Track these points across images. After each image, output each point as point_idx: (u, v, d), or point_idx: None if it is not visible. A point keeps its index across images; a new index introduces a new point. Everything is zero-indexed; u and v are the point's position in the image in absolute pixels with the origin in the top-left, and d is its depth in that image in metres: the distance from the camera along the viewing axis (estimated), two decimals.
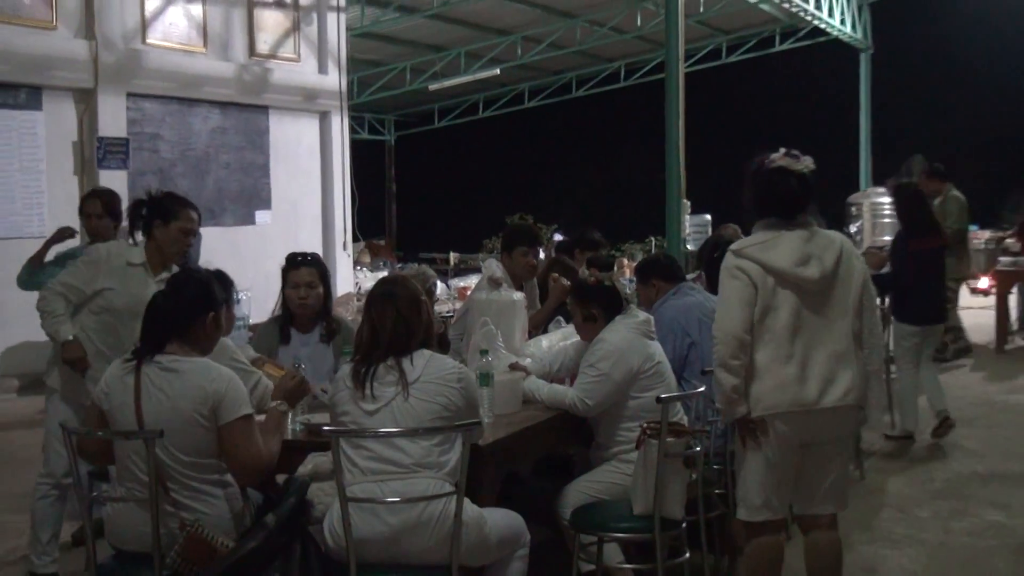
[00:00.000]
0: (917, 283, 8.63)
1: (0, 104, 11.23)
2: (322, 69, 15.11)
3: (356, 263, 17.09)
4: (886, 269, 9.18)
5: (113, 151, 12.03)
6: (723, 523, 5.44)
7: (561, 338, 5.89)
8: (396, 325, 4.17)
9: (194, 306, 4.14)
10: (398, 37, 21.10)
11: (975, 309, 15.27)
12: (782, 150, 4.57)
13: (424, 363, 4.13)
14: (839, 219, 19.58)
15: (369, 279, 14.38)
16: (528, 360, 5.58)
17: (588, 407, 5.06)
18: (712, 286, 5.76)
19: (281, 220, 14.53)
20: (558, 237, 17.44)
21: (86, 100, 11.94)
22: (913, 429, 8.66)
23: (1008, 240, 14.96)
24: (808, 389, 4.38)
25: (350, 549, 3.87)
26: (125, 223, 5.73)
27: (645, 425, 4.78)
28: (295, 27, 14.65)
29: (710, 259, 6.53)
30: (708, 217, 17.14)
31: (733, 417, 4.51)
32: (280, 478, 4.30)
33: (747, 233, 4.72)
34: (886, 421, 8.95)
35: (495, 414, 4.80)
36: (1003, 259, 13.93)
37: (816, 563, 4.66)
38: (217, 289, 4.28)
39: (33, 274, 6.76)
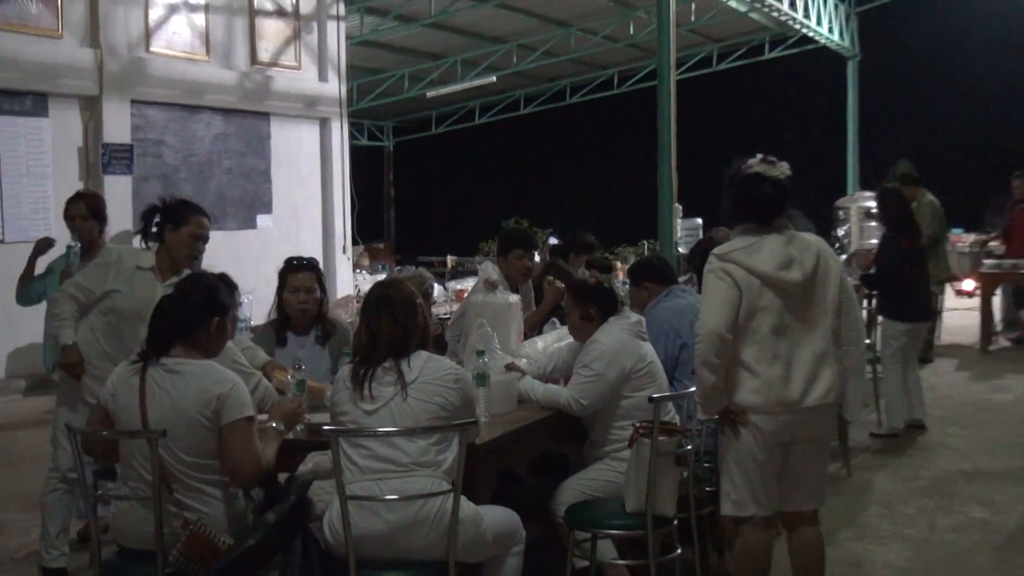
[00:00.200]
0: (909, 280, 8.68)
1: (7, 111, 11.23)
2: (322, 77, 15.12)
3: (355, 266, 17.10)
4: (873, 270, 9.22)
5: (118, 157, 12.03)
6: (714, 520, 5.45)
7: (556, 339, 5.89)
8: (393, 328, 4.17)
9: (200, 310, 4.14)
10: (396, 45, 21.12)
11: (960, 311, 15.29)
12: (759, 156, 4.57)
13: (421, 364, 4.14)
14: (827, 222, 19.61)
15: (368, 282, 14.36)
16: (524, 361, 5.58)
17: (582, 407, 5.06)
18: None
19: (282, 224, 14.53)
20: (553, 241, 17.46)
21: (91, 107, 11.94)
22: (900, 427, 8.68)
23: (992, 243, 14.98)
24: (792, 388, 4.39)
25: (349, 546, 3.87)
26: (136, 227, 5.71)
27: (637, 424, 4.78)
28: (296, 36, 14.66)
29: (701, 262, 6.53)
30: (699, 221, 17.14)
31: (713, 412, 4.55)
32: (281, 477, 4.30)
33: None
34: (872, 420, 8.99)
35: (491, 414, 4.80)
36: (987, 262, 13.93)
37: (803, 558, 4.67)
38: (224, 294, 4.29)
39: (25, 288, 6.69)
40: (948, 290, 15.15)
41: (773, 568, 4.66)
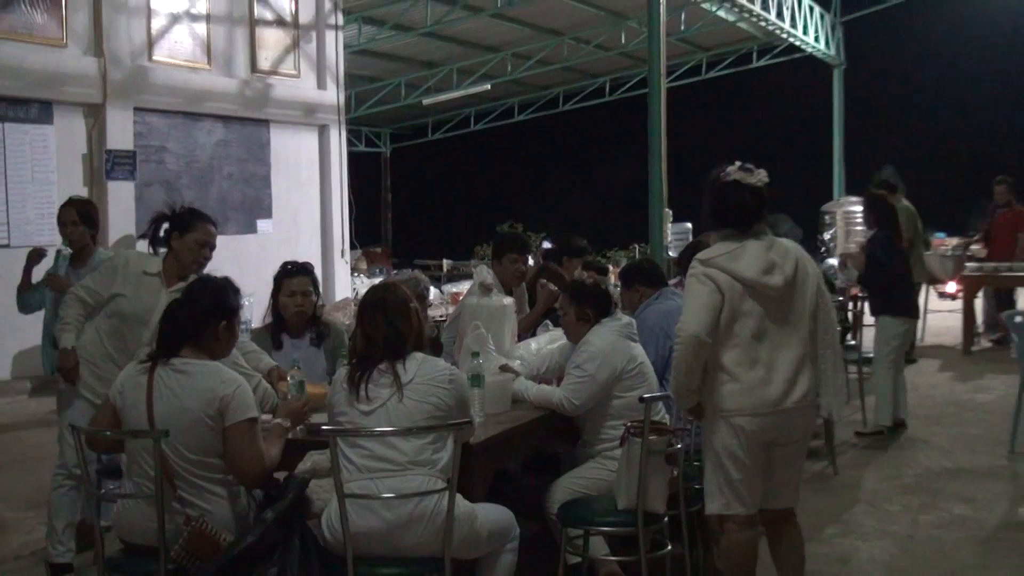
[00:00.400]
0: (905, 278, 8.85)
1: (13, 118, 11.23)
2: (321, 85, 15.11)
3: (353, 270, 17.10)
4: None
5: (121, 163, 12.02)
6: (703, 517, 5.45)
7: (549, 341, 5.89)
8: (388, 331, 4.18)
9: (207, 313, 4.16)
10: (393, 54, 21.14)
11: (943, 312, 15.30)
12: (737, 163, 4.56)
13: (417, 365, 4.15)
14: (814, 227, 19.65)
15: (365, 285, 14.36)
16: (517, 362, 5.58)
17: (574, 406, 5.07)
18: None
19: (282, 229, 14.52)
20: (547, 245, 17.46)
21: (95, 114, 11.93)
22: (888, 424, 8.71)
23: (974, 246, 15.00)
24: (773, 390, 4.39)
25: (347, 543, 3.88)
26: (139, 232, 5.69)
27: (629, 424, 4.79)
28: (295, 45, 14.66)
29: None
30: (689, 225, 17.19)
31: (685, 407, 4.58)
32: (280, 475, 4.30)
33: None
34: (857, 419, 9.01)
35: (486, 413, 4.80)
36: (969, 265, 13.95)
37: (788, 556, 4.68)
38: (231, 297, 4.30)
39: (23, 298, 6.60)
40: (931, 292, 15.18)
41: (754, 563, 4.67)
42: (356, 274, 17.21)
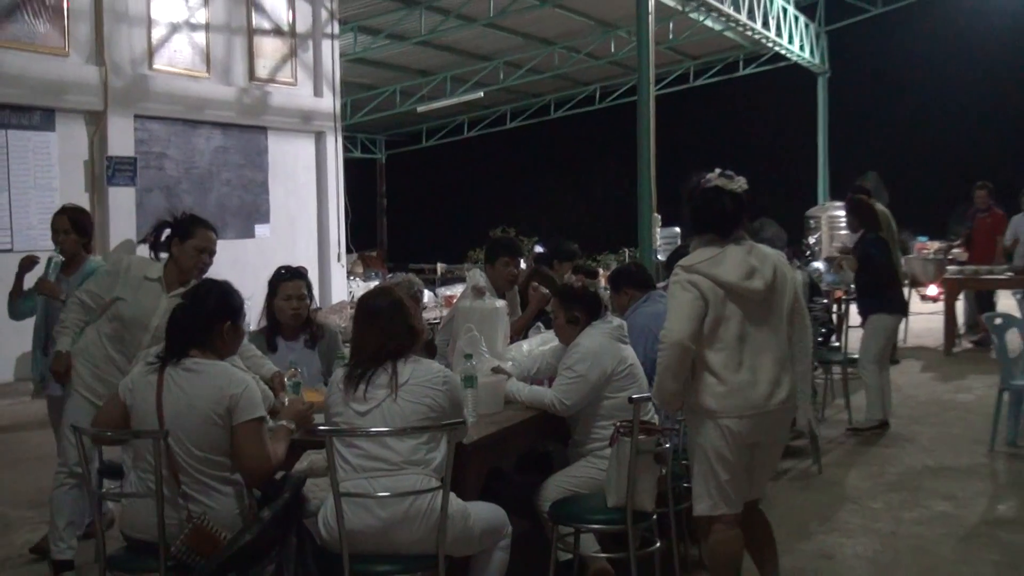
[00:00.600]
0: (897, 276, 9.07)
1: (16, 125, 11.21)
2: (317, 92, 15.11)
3: (349, 273, 17.09)
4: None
5: (122, 169, 12.01)
6: (691, 515, 5.45)
7: (540, 343, 5.89)
8: (382, 334, 4.19)
9: (213, 315, 4.17)
10: (388, 62, 21.14)
11: (925, 314, 15.33)
12: (717, 170, 4.57)
13: (411, 367, 4.15)
14: (799, 231, 19.70)
15: (361, 288, 14.37)
16: (509, 363, 5.58)
17: (566, 407, 5.06)
18: None
19: (279, 233, 14.51)
20: (538, 249, 17.47)
21: (96, 122, 11.91)
22: (880, 418, 8.76)
23: (955, 250, 15.04)
24: (758, 392, 4.39)
25: (343, 541, 3.87)
26: (139, 237, 5.67)
27: (618, 424, 4.79)
28: (292, 53, 14.65)
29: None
30: (677, 229, 17.20)
31: (670, 411, 4.63)
32: (277, 474, 4.30)
33: None
34: (842, 418, 9.04)
35: (479, 414, 4.80)
36: (951, 268, 13.99)
37: (758, 534, 4.70)
38: (236, 298, 4.31)
39: (15, 304, 6.46)
40: (913, 295, 15.20)
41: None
42: (352, 278, 17.20)
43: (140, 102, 12.31)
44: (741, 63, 24.04)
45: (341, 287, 15.55)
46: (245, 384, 4.07)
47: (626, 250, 21.24)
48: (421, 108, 23.33)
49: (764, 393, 4.39)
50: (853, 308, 9.47)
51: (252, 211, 14.15)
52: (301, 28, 14.75)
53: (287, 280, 5.75)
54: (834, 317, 10.39)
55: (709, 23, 18.28)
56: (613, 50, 21.56)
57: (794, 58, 21.45)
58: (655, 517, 4.80)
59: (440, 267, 21.47)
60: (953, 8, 23.79)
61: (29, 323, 6.45)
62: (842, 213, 15.58)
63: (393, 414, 4.05)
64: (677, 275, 4.44)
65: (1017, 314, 8.89)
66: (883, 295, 8.87)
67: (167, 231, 5.41)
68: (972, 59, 25.51)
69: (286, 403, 4.72)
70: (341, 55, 16.05)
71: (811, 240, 19.29)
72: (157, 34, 12.58)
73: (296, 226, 14.90)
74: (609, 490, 4.70)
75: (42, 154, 11.45)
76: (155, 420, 3.99)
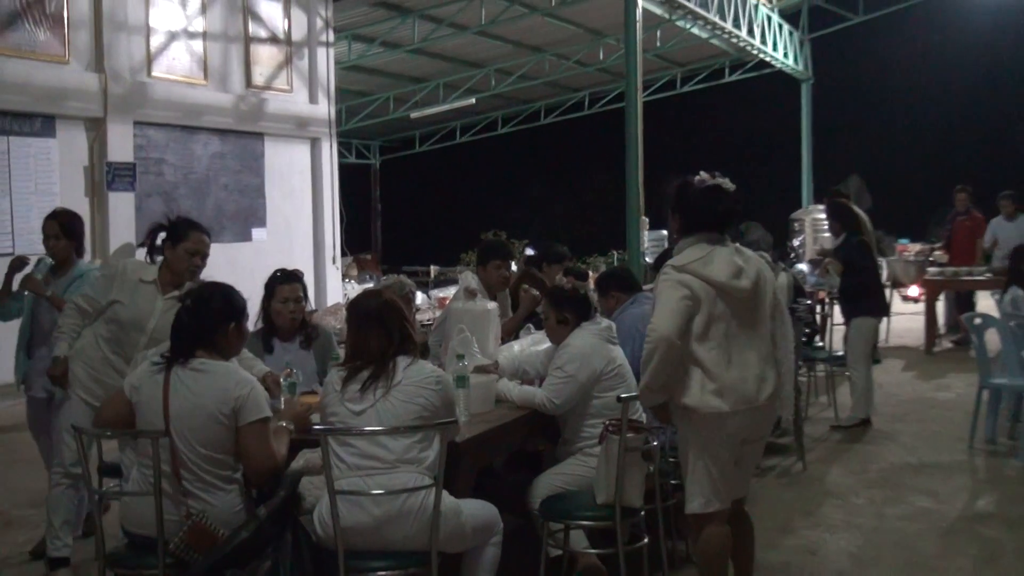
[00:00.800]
0: (879, 279, 9.26)
1: (17, 132, 11.18)
2: (313, 99, 15.10)
3: (344, 276, 17.08)
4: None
5: (121, 175, 11.98)
6: (679, 511, 5.46)
7: (531, 343, 5.89)
8: (376, 336, 4.20)
9: (218, 316, 4.18)
10: (382, 70, 21.11)
11: (906, 315, 15.35)
12: (702, 173, 4.56)
13: (405, 368, 4.15)
14: (783, 234, 19.72)
15: (356, 290, 14.35)
16: (503, 355, 5.61)
17: (556, 406, 5.07)
18: None
19: (275, 237, 14.50)
20: (529, 252, 17.47)
21: (96, 128, 11.89)
22: (865, 416, 8.80)
23: (936, 252, 15.08)
24: (748, 388, 4.40)
25: (338, 537, 3.88)
26: (138, 241, 5.62)
27: (607, 422, 4.79)
28: (288, 61, 14.64)
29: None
30: (664, 232, 17.20)
31: (648, 405, 4.60)
32: None
33: None
34: (827, 416, 9.07)
35: (471, 413, 4.80)
36: (931, 269, 14.02)
37: (742, 538, 4.69)
38: (238, 299, 4.32)
39: (2, 306, 6.34)
40: (895, 295, 15.25)
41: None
42: (347, 280, 17.19)
43: (139, 109, 12.29)
44: (727, 70, 24.04)
45: (336, 289, 15.53)
46: (251, 385, 4.08)
47: (615, 252, 21.24)
48: (414, 114, 23.31)
49: (753, 389, 4.40)
50: (837, 308, 9.50)
51: (249, 215, 14.13)
52: (297, 36, 14.74)
53: (284, 283, 5.74)
54: (818, 317, 10.43)
55: (695, 31, 18.27)
56: (602, 57, 21.56)
57: (778, 65, 21.46)
58: (643, 513, 4.82)
59: (433, 269, 21.46)
60: (933, 17, 23.86)
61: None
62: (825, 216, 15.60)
63: (387, 413, 4.06)
64: (668, 274, 4.42)
65: (996, 314, 8.91)
66: (866, 298, 8.91)
67: (162, 234, 5.41)
68: (951, 66, 25.61)
69: (283, 404, 4.72)
70: (336, 63, 16.04)
71: (795, 242, 19.31)
72: (156, 42, 12.56)
73: (292, 230, 14.88)
74: (598, 487, 4.71)
75: (43, 160, 11.43)
76: (161, 418, 4.00)
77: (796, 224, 19.78)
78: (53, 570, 5.43)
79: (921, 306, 14.13)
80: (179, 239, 5.36)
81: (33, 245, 10.98)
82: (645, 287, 6.98)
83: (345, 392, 4.13)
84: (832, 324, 9.71)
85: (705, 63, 23.92)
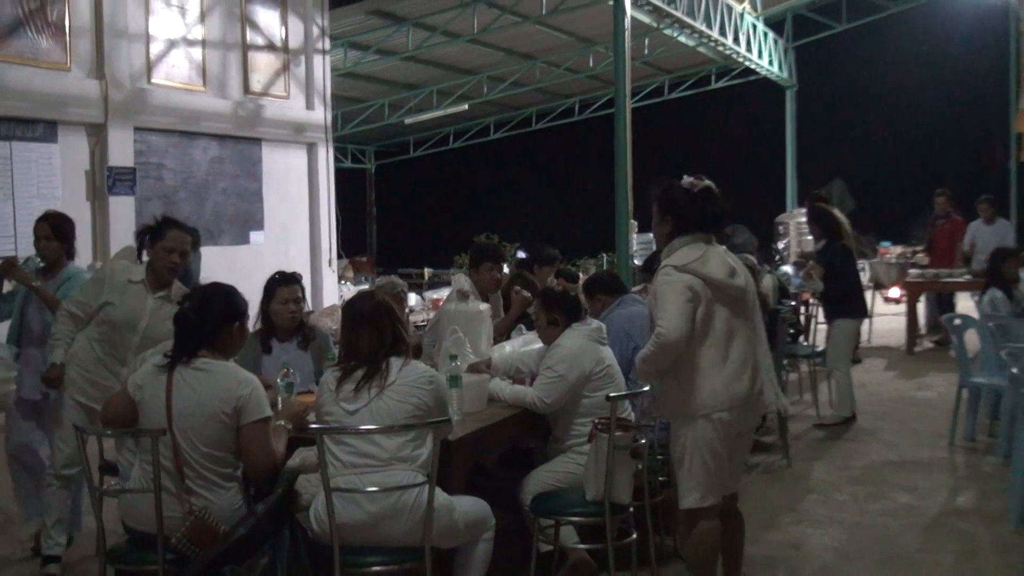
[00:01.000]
0: (859, 282, 9.29)
1: (20, 137, 11.14)
2: (309, 105, 15.07)
3: (340, 278, 17.04)
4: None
5: (121, 179, 11.95)
6: (666, 507, 5.47)
7: (522, 344, 5.89)
8: (369, 337, 4.20)
9: (222, 316, 4.19)
10: (377, 77, 21.09)
11: (888, 316, 15.39)
12: (688, 177, 4.56)
13: (398, 368, 4.15)
14: (768, 237, 19.75)
15: (352, 292, 14.32)
16: (496, 354, 5.61)
17: (546, 405, 5.07)
18: None
19: (273, 240, 14.46)
20: (520, 254, 17.45)
21: (97, 134, 11.85)
22: (848, 414, 8.82)
23: (918, 255, 15.12)
24: (744, 383, 4.42)
25: (333, 534, 3.88)
26: (137, 246, 5.55)
27: (597, 421, 4.80)
28: (285, 68, 14.61)
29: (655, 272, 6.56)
30: (652, 235, 17.18)
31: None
32: None
33: None
34: (810, 413, 9.08)
35: (463, 412, 4.80)
36: (912, 271, 14.05)
37: (734, 534, 4.72)
38: (240, 300, 4.32)
39: None
40: (877, 297, 15.26)
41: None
42: (343, 282, 17.15)
43: (139, 115, 12.25)
44: (713, 77, 24.06)
45: (332, 291, 15.50)
46: (253, 385, 4.08)
47: (604, 255, 21.23)
48: (409, 120, 23.29)
49: (747, 385, 4.43)
50: (820, 309, 9.53)
51: (247, 219, 14.09)
52: (294, 44, 14.71)
53: (283, 285, 5.73)
54: (802, 318, 10.44)
55: (683, 39, 18.29)
56: (591, 65, 21.57)
57: (763, 72, 21.48)
58: (631, 510, 4.82)
59: (427, 271, 21.41)
60: (913, 26, 23.93)
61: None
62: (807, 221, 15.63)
63: (381, 412, 4.06)
64: (670, 275, 4.39)
65: (975, 315, 8.94)
66: (848, 301, 8.94)
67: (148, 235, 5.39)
68: (932, 73, 25.69)
69: (280, 403, 4.71)
70: (332, 70, 16.00)
71: (780, 245, 19.34)
72: (155, 50, 12.52)
73: (289, 233, 14.84)
74: (588, 484, 4.71)
75: (45, 165, 11.38)
76: (164, 416, 4.00)
77: (781, 227, 19.80)
78: (44, 567, 5.42)
79: (902, 307, 14.16)
80: (158, 237, 5.33)
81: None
82: (634, 289, 6.99)
83: (340, 392, 4.13)
84: (816, 324, 9.73)
85: (692, 70, 23.94)
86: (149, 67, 12.43)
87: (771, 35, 21.49)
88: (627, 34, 13.61)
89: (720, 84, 24.08)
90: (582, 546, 4.99)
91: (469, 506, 4.26)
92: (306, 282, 6.01)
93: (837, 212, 10.67)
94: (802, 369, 9.93)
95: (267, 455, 4.07)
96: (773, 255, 18.65)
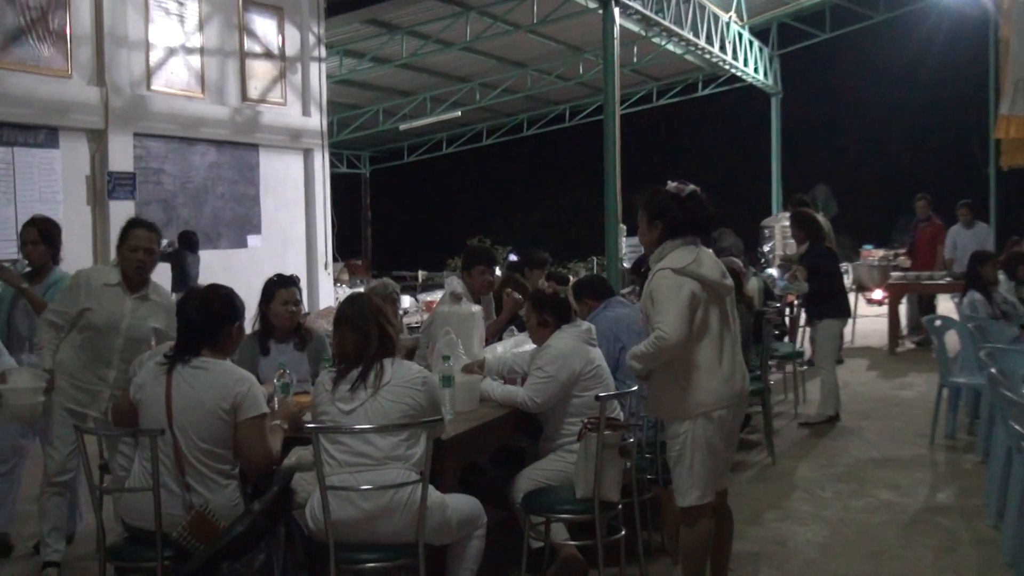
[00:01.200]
0: (842, 283, 9.38)
1: (22, 143, 11.12)
2: (305, 112, 15.06)
3: (336, 280, 17.04)
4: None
5: (121, 184, 11.93)
6: (655, 504, 5.48)
7: (513, 345, 5.89)
8: (362, 339, 4.20)
9: (222, 317, 4.21)
10: (372, 84, 21.09)
11: (871, 317, 15.41)
12: (671, 182, 4.56)
13: (393, 369, 4.15)
14: (754, 240, 19.76)
15: (347, 294, 14.31)
16: (488, 355, 5.61)
17: (537, 404, 5.07)
18: None
19: (270, 243, 14.45)
20: (512, 257, 17.46)
21: (98, 139, 11.83)
22: (833, 413, 8.84)
23: (900, 258, 15.15)
24: (737, 380, 4.44)
25: (329, 531, 3.88)
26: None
27: (586, 420, 4.80)
28: (282, 75, 14.60)
29: (643, 275, 6.57)
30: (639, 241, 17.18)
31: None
32: None
33: None
34: (793, 412, 9.11)
35: (456, 411, 4.80)
36: (894, 274, 14.08)
37: (724, 526, 4.71)
38: (239, 302, 4.34)
39: None
40: (859, 299, 15.28)
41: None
42: (339, 284, 17.15)
43: (139, 121, 12.23)
44: (700, 84, 24.09)
45: (328, 293, 15.49)
46: (250, 383, 4.10)
47: (594, 258, 21.25)
48: (403, 126, 23.29)
49: (740, 380, 4.47)
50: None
51: (244, 223, 14.08)
52: (290, 52, 14.70)
53: (282, 287, 5.71)
54: (787, 320, 10.46)
55: (670, 47, 18.32)
56: (581, 72, 21.58)
57: (749, 79, 21.51)
58: (620, 507, 4.81)
59: (421, 274, 21.41)
60: (895, 35, 23.99)
61: None
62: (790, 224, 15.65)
63: (375, 412, 4.06)
64: (668, 277, 4.36)
65: (955, 317, 8.96)
66: (832, 302, 8.95)
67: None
68: (913, 81, 25.76)
69: (277, 403, 4.71)
70: (328, 77, 15.99)
71: (765, 248, 19.34)
72: (155, 57, 12.50)
73: (286, 236, 14.83)
74: (577, 482, 4.71)
75: (46, 170, 11.36)
76: (164, 415, 4.01)
77: (766, 231, 19.81)
78: (44, 570, 5.39)
79: (885, 309, 14.18)
80: (123, 238, 5.29)
81: None
82: (623, 290, 6.99)
83: (336, 392, 4.13)
84: (800, 326, 9.75)
85: (680, 78, 23.96)
86: (149, 74, 12.41)
87: (756, 43, 21.53)
88: (616, 42, 13.62)
89: (707, 91, 24.11)
90: (572, 543, 4.98)
91: (461, 503, 4.26)
92: (302, 285, 6.00)
93: (820, 217, 10.72)
94: (787, 369, 9.94)
95: (263, 451, 4.08)
96: (759, 258, 18.67)
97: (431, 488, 4.01)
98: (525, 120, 26.58)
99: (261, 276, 5.90)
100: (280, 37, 14.51)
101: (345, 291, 15.99)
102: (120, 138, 12.00)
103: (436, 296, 13.37)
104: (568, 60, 20.90)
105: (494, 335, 6.52)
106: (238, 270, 12.66)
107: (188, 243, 12.19)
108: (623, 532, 4.86)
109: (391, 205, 30.98)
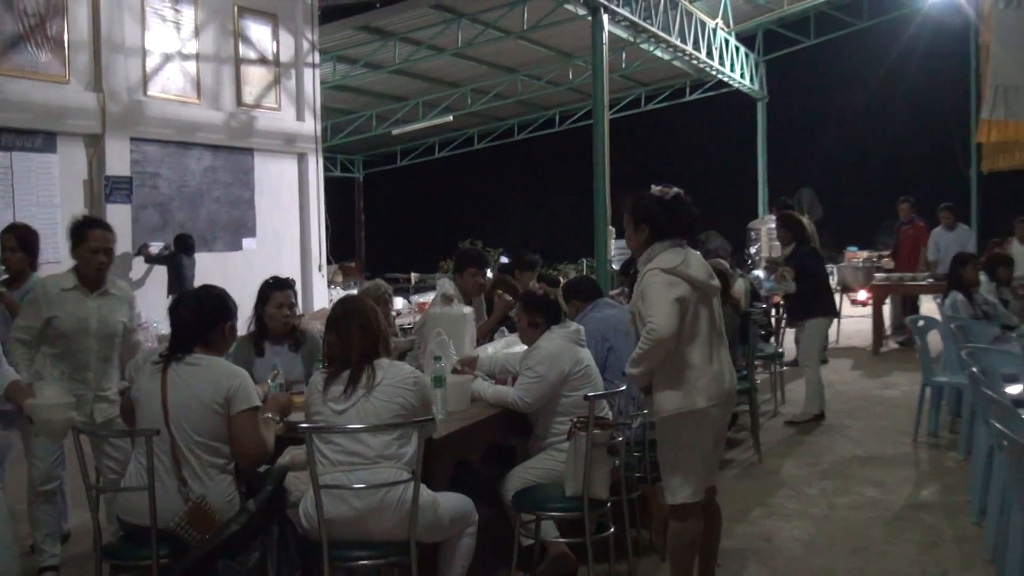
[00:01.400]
0: (828, 283, 9.38)
1: (20, 148, 11.08)
2: (300, 117, 15.04)
3: (330, 282, 16.99)
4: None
5: (118, 188, 11.90)
6: (643, 502, 5.48)
7: (504, 346, 5.90)
8: (355, 340, 4.20)
9: (215, 316, 4.24)
10: (365, 89, 21.07)
11: (855, 317, 15.44)
12: (655, 186, 4.55)
13: (384, 369, 4.14)
14: (741, 242, 19.80)
15: (341, 296, 14.28)
16: (480, 354, 5.60)
17: (527, 404, 5.06)
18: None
19: (265, 246, 14.42)
20: (503, 259, 17.45)
21: (95, 144, 11.80)
22: (818, 412, 8.85)
23: (884, 259, 15.18)
24: (726, 378, 4.45)
25: (322, 529, 3.87)
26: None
27: (575, 419, 4.80)
28: (276, 81, 14.58)
29: (633, 276, 6.57)
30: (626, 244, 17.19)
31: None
32: (261, 468, 4.28)
33: None
34: (779, 410, 9.11)
35: (447, 411, 4.79)
36: (878, 275, 14.10)
37: (713, 523, 4.71)
38: (231, 301, 4.35)
39: None
40: (844, 299, 15.31)
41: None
42: (332, 286, 17.11)
43: (135, 126, 12.21)
44: (688, 89, 24.12)
45: (322, 295, 15.47)
46: (242, 377, 4.11)
47: (584, 260, 21.24)
48: (396, 131, 23.28)
49: (728, 378, 4.47)
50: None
51: (240, 226, 14.05)
52: (285, 58, 14.67)
53: (278, 289, 5.70)
54: (772, 320, 10.46)
55: (659, 53, 18.33)
56: (571, 77, 21.59)
57: (735, 85, 21.55)
58: (609, 505, 4.81)
59: (413, 276, 21.39)
60: (879, 41, 24.00)
61: None
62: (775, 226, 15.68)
63: (368, 412, 4.05)
64: (658, 276, 4.35)
65: (938, 317, 8.98)
66: (817, 301, 8.97)
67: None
68: (896, 86, 25.80)
69: (268, 398, 4.70)
70: (321, 82, 15.97)
71: (752, 250, 19.39)
72: (151, 63, 12.48)
73: (280, 239, 14.81)
74: (567, 480, 4.71)
75: (44, 174, 11.32)
76: (160, 411, 4.02)
77: (752, 233, 19.86)
78: (41, 573, 5.35)
79: (869, 309, 14.21)
80: (80, 240, 5.18)
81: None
82: (612, 292, 6.99)
83: (328, 393, 4.13)
84: (785, 326, 9.76)
85: (668, 83, 23.99)
86: (145, 80, 12.39)
87: (743, 49, 21.56)
88: (605, 48, 13.64)
89: (694, 96, 24.14)
90: (562, 540, 4.98)
91: (453, 502, 4.25)
92: (297, 287, 5.98)
93: (805, 219, 10.74)
94: (773, 368, 9.95)
95: (257, 443, 4.08)
96: (745, 260, 18.70)
97: (423, 487, 4.00)
98: (516, 125, 26.59)
99: (256, 278, 5.89)
100: (275, 43, 14.48)
101: (339, 293, 15.96)
102: (117, 143, 11.97)
103: (428, 298, 13.38)
104: (558, 66, 20.91)
105: (485, 336, 6.52)
106: (233, 272, 12.63)
107: (184, 246, 12.16)
108: (612, 529, 4.86)
109: (384, 208, 30.94)
